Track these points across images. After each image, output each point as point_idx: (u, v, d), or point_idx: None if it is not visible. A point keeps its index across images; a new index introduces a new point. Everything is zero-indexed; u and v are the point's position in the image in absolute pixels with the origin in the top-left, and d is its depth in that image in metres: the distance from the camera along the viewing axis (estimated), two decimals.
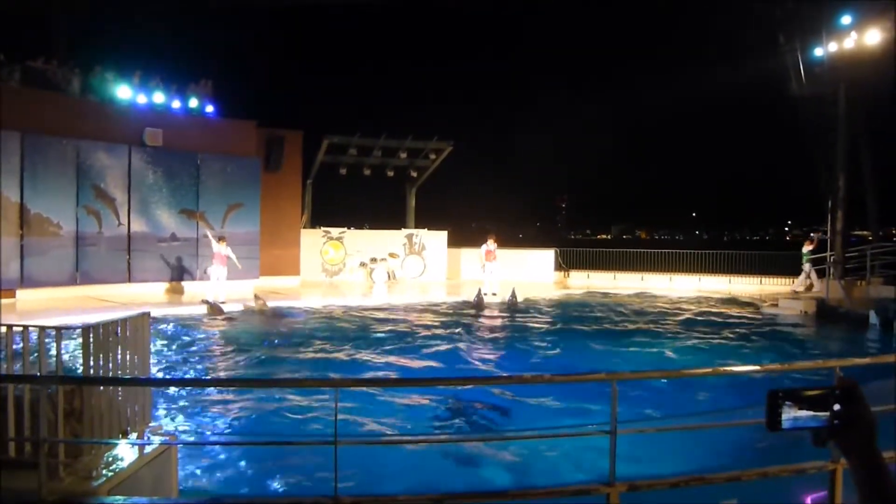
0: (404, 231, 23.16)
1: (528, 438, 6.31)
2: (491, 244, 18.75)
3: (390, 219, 25.07)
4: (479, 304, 16.74)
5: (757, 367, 6.95)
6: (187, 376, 9.54)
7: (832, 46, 18.09)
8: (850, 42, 17.74)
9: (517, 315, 15.83)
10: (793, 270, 20.11)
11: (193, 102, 18.69)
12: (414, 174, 24.40)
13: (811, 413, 1.49)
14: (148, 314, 5.36)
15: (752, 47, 21.53)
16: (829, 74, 18.15)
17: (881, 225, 20.41)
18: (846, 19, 17.93)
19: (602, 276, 23.40)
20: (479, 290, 17.36)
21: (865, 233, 21.58)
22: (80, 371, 4.64)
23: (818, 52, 18.32)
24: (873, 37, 17.32)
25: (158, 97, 17.93)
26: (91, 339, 4.51)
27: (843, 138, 18.14)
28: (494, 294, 17.83)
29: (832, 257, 17.65)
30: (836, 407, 1.48)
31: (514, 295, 16.97)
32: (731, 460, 6.00)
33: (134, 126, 17.16)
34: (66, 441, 4.32)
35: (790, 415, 1.50)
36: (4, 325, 4.74)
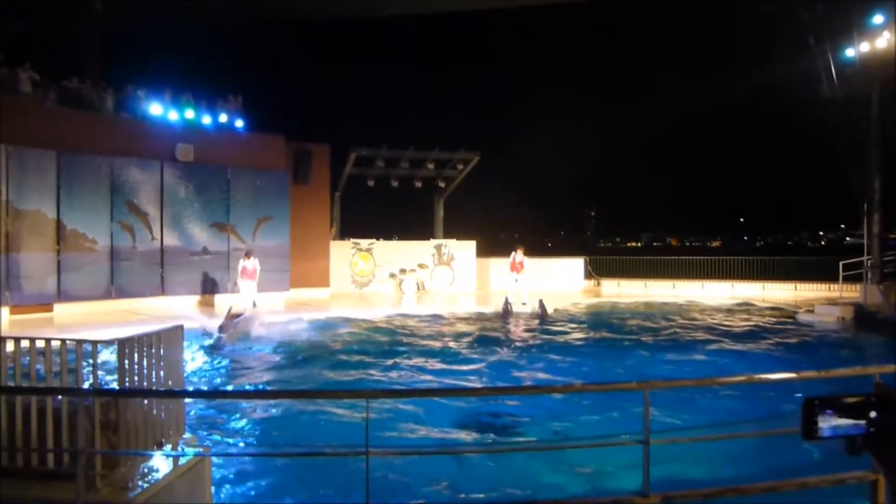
0: (433, 242, 23.21)
1: (561, 448, 6.25)
2: (519, 255, 18.66)
3: (419, 230, 25.14)
4: (506, 314, 16.69)
5: (792, 375, 6.81)
6: (219, 388, 9.64)
7: (864, 47, 17.76)
8: (882, 42, 17.41)
9: (548, 325, 15.73)
10: (828, 276, 19.71)
11: (223, 118, 19.00)
12: (442, 185, 24.46)
13: (849, 421, 1.45)
14: (181, 327, 5.44)
15: (782, 50, 21.22)
16: (862, 75, 17.79)
17: None
18: (878, 19, 17.59)
19: (633, 284, 23.20)
20: (506, 300, 17.31)
21: None
22: (115, 383, 4.72)
23: (850, 52, 17.99)
24: None
25: (189, 113, 18.26)
26: (126, 352, 4.59)
27: (877, 140, 17.77)
28: (524, 304, 17.73)
29: (869, 262, 17.27)
30: (873, 414, 1.44)
31: (542, 306, 16.84)
32: (769, 470, 5.89)
33: (166, 142, 17.49)
34: (103, 452, 4.39)
35: (827, 423, 1.46)
36: (43, 338, 4.83)
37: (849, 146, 18.69)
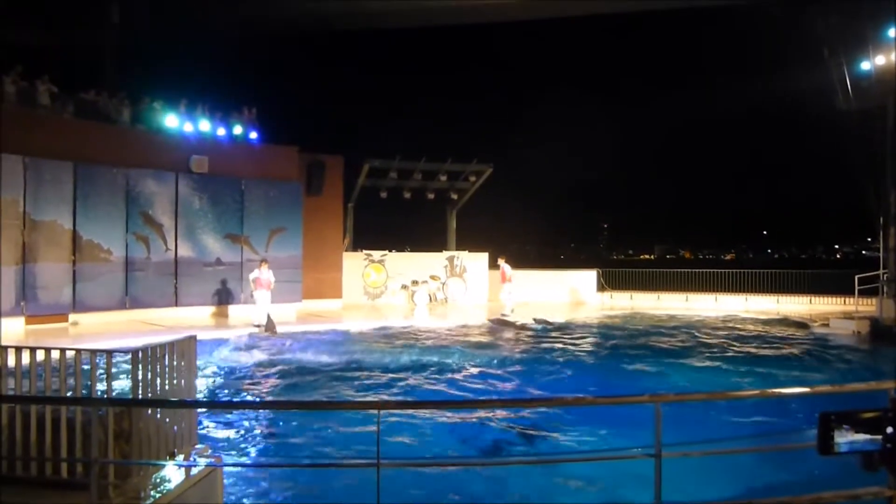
0: (445, 253, 23.23)
1: (572, 461, 6.22)
2: (505, 266, 19.03)
3: (431, 241, 25.19)
4: (499, 325, 16.86)
5: (806, 389, 6.75)
6: (232, 399, 9.67)
7: (879, 60, 17.69)
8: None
9: (557, 337, 15.67)
10: (843, 289, 19.54)
11: (238, 129, 19.17)
12: (454, 196, 24.51)
13: (866, 436, 1.43)
14: (194, 338, 5.47)
15: (797, 62, 21.17)
16: (877, 88, 17.71)
17: None
18: (893, 32, 17.53)
19: (645, 297, 23.09)
20: (502, 314, 17.79)
21: None
22: (129, 394, 4.75)
23: (865, 66, 17.92)
24: None
25: (204, 125, 18.44)
26: (140, 363, 4.63)
27: (892, 153, 17.64)
28: (510, 312, 17.99)
29: (885, 275, 17.11)
30: (890, 430, 1.42)
31: (544, 319, 17.13)
32: (783, 485, 5.83)
33: (181, 154, 17.65)
34: (116, 462, 4.42)
35: (844, 438, 1.44)
36: (57, 348, 4.88)
37: (865, 159, 18.56)
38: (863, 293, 17.76)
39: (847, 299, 19.21)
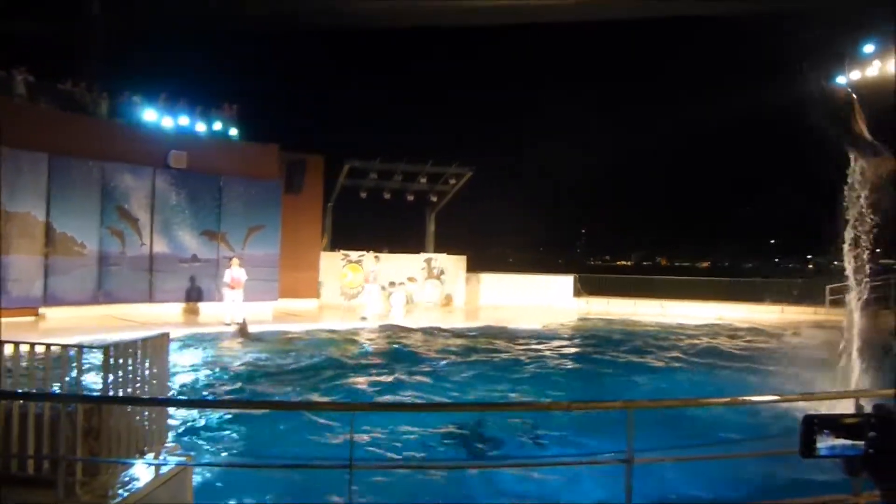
0: (423, 255, 23.22)
1: (544, 465, 6.25)
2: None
3: (410, 243, 25.16)
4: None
5: (776, 397, 6.86)
6: (205, 397, 9.58)
7: (855, 75, 18.03)
8: (873, 70, 17.68)
9: (527, 342, 15.73)
10: (815, 299, 19.84)
11: (218, 126, 19.01)
12: (434, 199, 24.52)
13: (847, 441, 1.45)
14: (167, 335, 5.42)
15: (770, 77, 21.53)
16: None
17: None
18: (869, 48, 17.89)
19: (622, 303, 23.26)
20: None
21: (890, 261, 21.25)
22: (99, 390, 4.69)
23: (840, 80, 18.24)
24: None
25: (184, 120, 18.27)
26: (111, 359, 4.57)
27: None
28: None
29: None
30: (872, 435, 1.44)
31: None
32: (752, 491, 5.90)
33: (159, 148, 17.45)
34: (84, 459, 4.36)
35: (826, 442, 1.46)
36: (27, 343, 4.81)
37: (838, 172, 18.83)
38: (834, 303, 18.04)
39: (818, 309, 19.51)
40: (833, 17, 18.58)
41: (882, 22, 17.89)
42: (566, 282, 24.01)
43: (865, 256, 17.95)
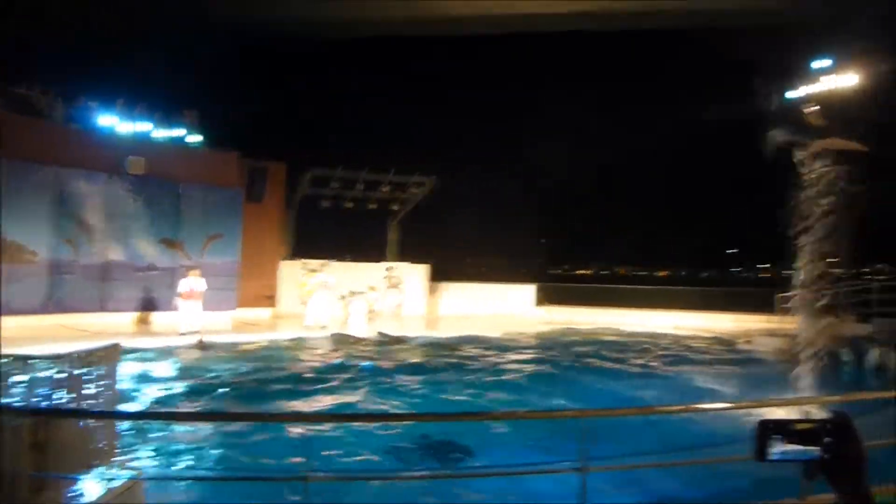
0: (384, 264, 23.16)
1: (498, 475, 6.27)
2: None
3: (372, 252, 25.05)
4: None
5: (729, 405, 7.01)
6: (157, 409, 9.39)
7: (805, 90, 18.57)
8: (823, 87, 18.23)
9: (501, 352, 15.78)
10: (765, 307, 20.31)
11: (177, 132, 18.73)
12: (395, 207, 24.51)
13: (799, 447, 1.49)
14: (118, 345, 5.31)
15: (722, 92, 22.08)
16: (803, 118, 18.56)
17: (854, 263, 20.69)
18: (820, 64, 18.44)
19: (583, 312, 23.49)
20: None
21: (838, 271, 21.87)
22: (45, 402, 4.57)
23: (791, 95, 18.79)
24: (847, 81, 17.81)
25: (142, 126, 17.95)
26: (58, 370, 4.46)
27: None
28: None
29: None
30: (827, 440, 1.48)
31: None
32: (707, 495, 6.00)
33: (116, 154, 17.13)
34: (30, 475, 4.24)
35: (779, 447, 1.50)
36: None
37: (787, 184, 19.34)
38: (785, 311, 18.46)
39: (770, 317, 19.95)
40: (791, 31, 19.08)
41: (837, 38, 18.46)
42: (528, 291, 24.18)
43: (816, 265, 18.53)
